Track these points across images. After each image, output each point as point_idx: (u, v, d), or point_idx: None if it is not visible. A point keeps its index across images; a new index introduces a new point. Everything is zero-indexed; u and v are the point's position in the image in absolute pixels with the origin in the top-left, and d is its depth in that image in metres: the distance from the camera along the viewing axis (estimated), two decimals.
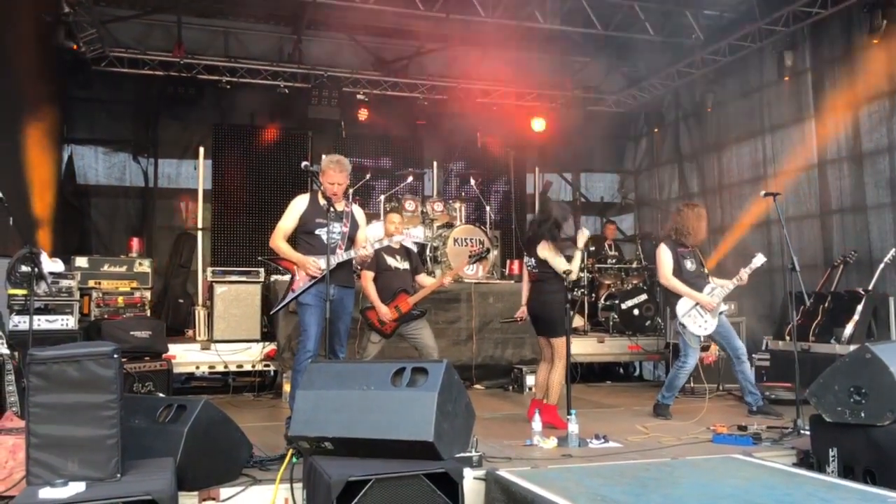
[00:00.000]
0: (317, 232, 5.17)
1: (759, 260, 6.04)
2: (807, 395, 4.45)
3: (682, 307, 6.10)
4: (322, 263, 5.01)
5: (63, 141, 10.08)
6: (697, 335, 6.10)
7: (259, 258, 7.65)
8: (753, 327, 8.28)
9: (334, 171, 5.17)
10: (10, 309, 5.87)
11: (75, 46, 8.75)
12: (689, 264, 6.19)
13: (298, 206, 5.28)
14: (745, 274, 6.07)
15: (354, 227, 5.31)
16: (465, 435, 4.00)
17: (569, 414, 4.96)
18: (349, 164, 5.30)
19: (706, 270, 6.31)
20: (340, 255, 5.12)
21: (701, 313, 6.08)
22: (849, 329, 7.11)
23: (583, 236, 5.74)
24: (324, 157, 5.50)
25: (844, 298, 7.43)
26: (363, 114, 10.57)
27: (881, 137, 7.84)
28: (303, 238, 5.25)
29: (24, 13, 7.65)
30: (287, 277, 5.38)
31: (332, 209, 5.06)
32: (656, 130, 11.94)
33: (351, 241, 5.26)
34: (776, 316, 8.48)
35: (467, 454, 4.00)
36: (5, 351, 4.67)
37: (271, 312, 6.67)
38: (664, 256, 6.20)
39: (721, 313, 6.21)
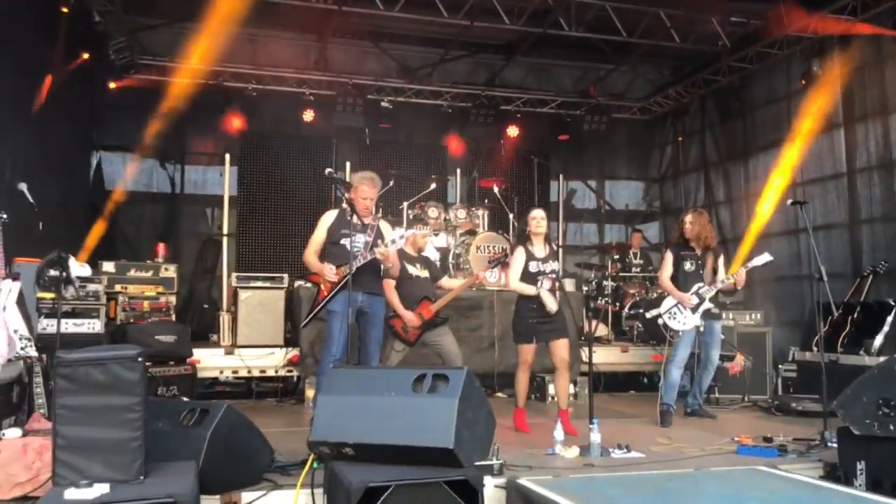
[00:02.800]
0: (342, 242, 5.37)
1: (763, 258, 6.18)
2: (834, 406, 4.38)
3: (665, 304, 6.48)
4: (341, 269, 5.22)
5: (92, 147, 10.24)
6: (677, 330, 6.36)
7: (299, 283, 7.78)
8: (780, 337, 8.17)
9: (368, 187, 5.46)
10: (39, 312, 5.97)
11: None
12: (688, 265, 6.45)
13: (327, 219, 5.57)
14: (742, 272, 6.26)
15: (379, 238, 5.48)
16: (485, 442, 3.99)
17: (591, 423, 4.92)
18: (380, 180, 5.60)
19: (706, 272, 6.41)
20: (360, 260, 5.23)
21: (681, 310, 6.36)
22: (878, 340, 7.00)
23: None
24: (357, 173, 5.71)
25: (874, 309, 7.31)
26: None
27: None
28: (328, 248, 5.49)
29: (54, 22, 7.79)
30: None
31: (359, 221, 5.28)
32: (681, 138, 11.85)
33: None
34: (803, 326, 8.36)
35: (488, 462, 3.98)
36: (34, 353, 4.76)
37: (302, 325, 6.77)
38: (665, 260, 6.65)
39: (715, 318, 6.43)
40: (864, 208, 8.29)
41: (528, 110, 11.45)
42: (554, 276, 5.79)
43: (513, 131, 11.30)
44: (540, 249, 5.81)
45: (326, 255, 5.47)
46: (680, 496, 3.66)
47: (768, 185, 9.37)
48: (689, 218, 6.54)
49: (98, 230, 9.36)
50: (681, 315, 6.34)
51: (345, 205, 5.40)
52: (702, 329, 6.34)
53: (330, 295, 5.32)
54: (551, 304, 5.66)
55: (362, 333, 5.31)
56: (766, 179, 9.82)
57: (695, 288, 6.34)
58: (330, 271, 5.32)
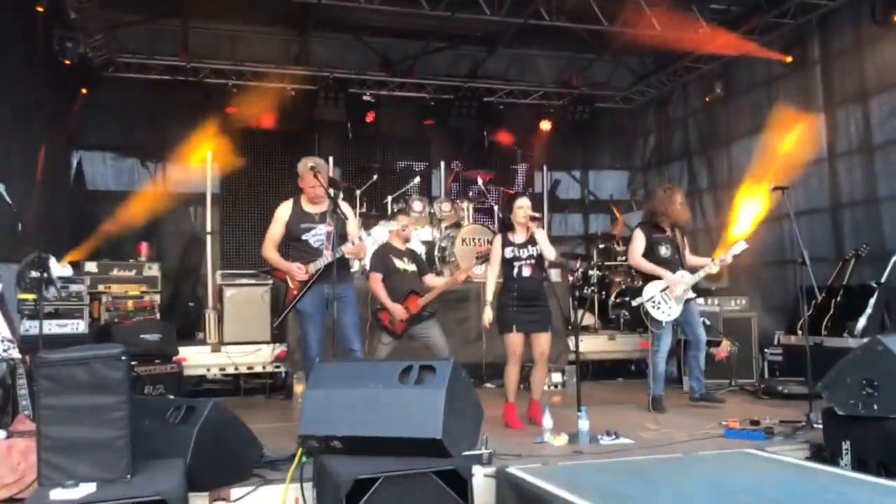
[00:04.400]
0: (303, 237, 5.27)
1: (739, 247, 6.08)
2: (818, 388, 4.43)
3: (647, 291, 6.17)
4: (309, 267, 5.17)
5: (72, 146, 10.14)
6: (659, 320, 6.12)
7: (257, 271, 7.71)
8: (765, 322, 8.22)
9: (310, 176, 5.25)
10: (21, 314, 5.92)
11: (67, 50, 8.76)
12: (664, 250, 6.27)
13: (282, 213, 5.38)
14: (724, 259, 6.13)
15: (340, 223, 5.29)
16: (473, 432, 4.00)
17: (579, 411, 4.93)
18: (326, 164, 5.45)
19: (682, 258, 6.31)
20: (327, 257, 5.15)
21: (665, 299, 6.12)
22: (861, 322, 7.06)
23: None
24: (300, 161, 5.47)
25: (857, 292, 7.38)
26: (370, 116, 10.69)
27: (893, 129, 7.76)
28: (292, 245, 5.37)
29: (29, 20, 7.70)
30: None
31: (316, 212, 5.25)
32: (664, 126, 11.89)
33: (340, 238, 5.27)
34: (788, 310, 8.42)
35: (477, 451, 3.98)
36: (17, 355, 4.70)
37: (275, 325, 6.72)
38: (637, 239, 6.33)
39: (690, 301, 6.28)
40: (845, 192, 8.35)
41: (510, 101, 11.43)
42: (533, 261, 5.54)
43: (495, 123, 11.27)
44: (520, 236, 5.63)
45: (291, 251, 5.34)
46: (669, 481, 3.68)
47: (750, 172, 9.43)
48: (679, 198, 6.32)
49: (79, 230, 9.29)
50: (665, 305, 6.13)
51: (304, 200, 5.31)
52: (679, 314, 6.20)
53: (300, 294, 5.21)
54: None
55: (336, 320, 5.12)
56: (748, 166, 9.88)
57: (678, 275, 6.18)
58: (299, 272, 5.18)
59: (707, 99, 10.40)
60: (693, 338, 6.39)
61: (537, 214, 5.71)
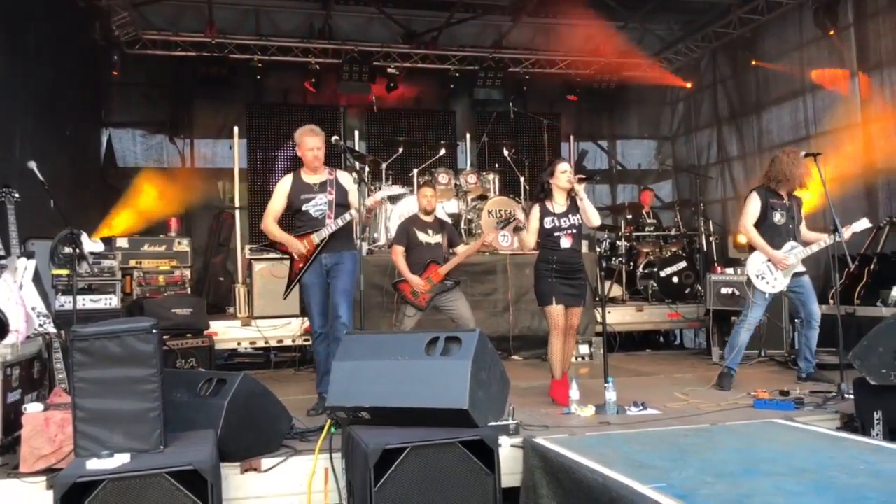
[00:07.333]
0: (304, 208, 5.23)
1: (861, 224, 5.69)
2: (850, 357, 4.35)
3: (752, 262, 5.79)
4: (312, 238, 5.16)
5: (101, 124, 10.27)
6: (763, 292, 5.76)
7: (257, 246, 7.69)
8: None
9: (310, 137, 5.23)
10: (55, 289, 6.03)
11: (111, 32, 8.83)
12: (778, 217, 5.77)
13: (283, 187, 5.33)
14: (842, 235, 5.54)
15: (341, 192, 5.27)
16: (500, 403, 4.02)
17: (606, 382, 4.92)
18: (321, 129, 5.34)
19: (795, 227, 5.85)
20: (330, 226, 5.14)
21: (771, 270, 5.73)
22: (895, 291, 6.93)
23: None
24: (298, 130, 5.40)
25: (891, 260, 7.25)
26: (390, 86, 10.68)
27: None
28: (294, 216, 5.32)
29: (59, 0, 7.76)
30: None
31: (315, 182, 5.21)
32: (693, 94, 11.69)
33: (341, 207, 5.24)
34: (820, 279, 8.29)
35: (503, 422, 3.99)
36: (52, 329, 4.81)
37: (284, 297, 6.72)
38: (752, 204, 5.85)
39: (802, 274, 5.89)
40: (879, 158, 8.17)
41: (536, 71, 11.32)
42: (574, 231, 5.33)
43: (521, 93, 11.17)
44: (560, 204, 5.37)
45: (294, 222, 5.29)
46: (696, 451, 3.66)
47: (781, 138, 9.26)
48: (790, 157, 5.79)
49: (110, 206, 9.43)
50: (770, 276, 5.72)
51: (303, 172, 5.28)
52: (792, 288, 5.81)
53: (305, 266, 5.18)
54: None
55: (330, 286, 5.13)
56: (779, 133, 9.70)
57: (787, 247, 5.75)
58: (297, 247, 5.15)
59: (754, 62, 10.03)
60: (806, 314, 5.93)
61: (584, 176, 5.47)
